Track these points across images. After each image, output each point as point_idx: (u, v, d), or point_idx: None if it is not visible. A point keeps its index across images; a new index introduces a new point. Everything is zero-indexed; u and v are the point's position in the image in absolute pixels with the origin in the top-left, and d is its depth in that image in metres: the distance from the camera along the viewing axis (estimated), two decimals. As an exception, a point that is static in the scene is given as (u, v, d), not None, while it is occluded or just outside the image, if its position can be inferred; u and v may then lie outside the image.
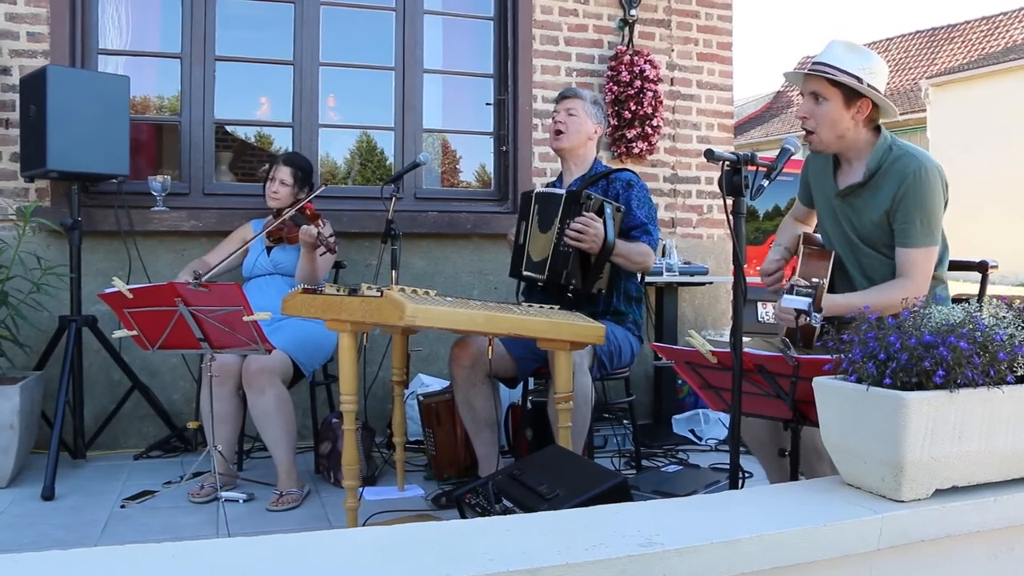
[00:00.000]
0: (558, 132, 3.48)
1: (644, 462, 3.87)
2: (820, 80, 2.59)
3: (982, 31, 19.50)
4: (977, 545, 1.95)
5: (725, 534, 1.69)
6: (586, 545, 1.59)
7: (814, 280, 2.38)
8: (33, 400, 3.61)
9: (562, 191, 3.32)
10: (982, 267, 3.00)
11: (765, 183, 2.27)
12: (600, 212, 3.18)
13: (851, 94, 2.58)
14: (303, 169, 3.86)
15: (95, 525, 3.05)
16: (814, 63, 2.63)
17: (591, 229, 3.13)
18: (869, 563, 1.82)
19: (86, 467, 3.80)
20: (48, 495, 3.31)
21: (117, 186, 3.97)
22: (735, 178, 2.21)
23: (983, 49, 18.80)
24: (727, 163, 2.22)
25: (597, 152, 3.60)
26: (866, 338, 1.96)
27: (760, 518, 1.82)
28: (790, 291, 2.40)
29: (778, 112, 22.48)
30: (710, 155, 2.21)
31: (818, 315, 2.30)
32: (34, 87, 3.62)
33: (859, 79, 2.55)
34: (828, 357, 2.09)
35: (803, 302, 2.28)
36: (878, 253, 2.65)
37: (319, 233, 3.43)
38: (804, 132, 2.67)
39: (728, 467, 3.37)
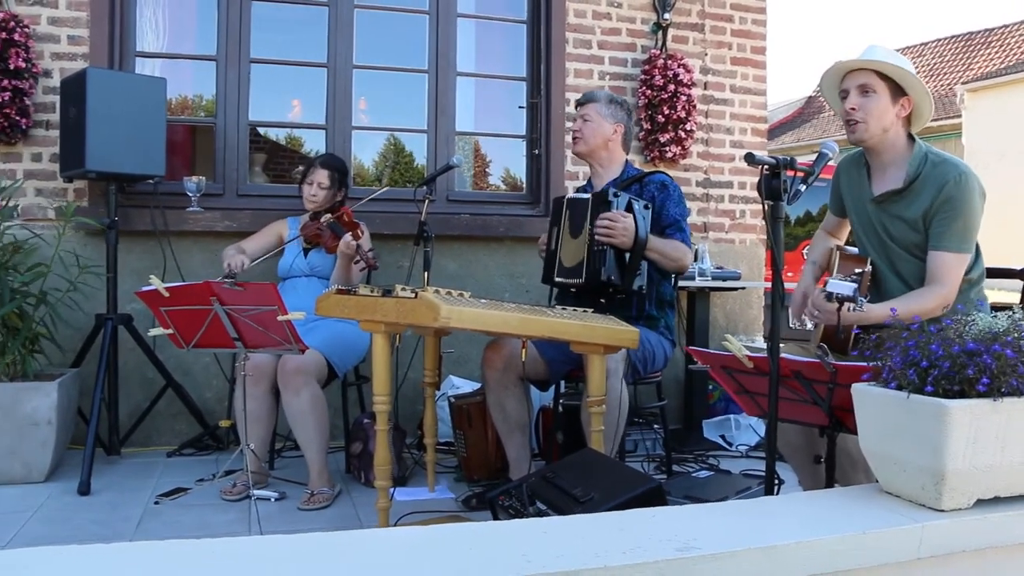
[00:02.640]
0: (575, 139, 3.53)
1: (675, 467, 3.85)
2: (869, 73, 2.61)
3: (1020, 35, 19.21)
4: (1019, 557, 1.92)
5: (762, 540, 1.68)
6: (623, 548, 1.58)
7: (857, 270, 2.36)
8: (70, 397, 3.66)
9: (589, 195, 3.32)
10: (1023, 275, 2.96)
11: (802, 188, 2.27)
12: (629, 209, 3.19)
13: (896, 91, 2.61)
14: (340, 171, 3.88)
15: (129, 521, 3.08)
16: (861, 59, 2.63)
17: (619, 224, 3.14)
18: (907, 572, 1.80)
19: (120, 463, 3.85)
20: (84, 490, 3.35)
21: (153, 187, 4.02)
22: (774, 183, 2.20)
23: (1020, 54, 18.52)
24: (766, 167, 2.21)
25: (627, 151, 3.58)
26: (907, 345, 1.93)
27: (797, 525, 1.80)
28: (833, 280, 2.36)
29: (810, 117, 22.29)
30: (751, 159, 2.20)
31: (864, 300, 2.27)
32: (74, 89, 3.67)
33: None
34: (866, 364, 2.06)
35: (849, 287, 2.24)
36: (913, 257, 2.63)
37: (359, 247, 3.44)
38: (847, 123, 2.65)
39: (759, 474, 3.35)
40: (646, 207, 3.26)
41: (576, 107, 3.59)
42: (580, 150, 3.53)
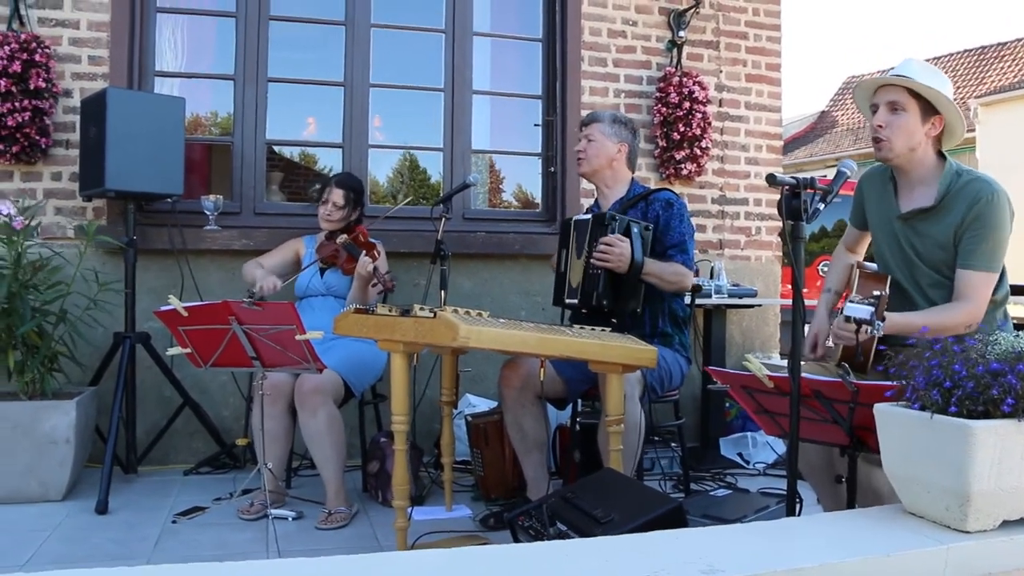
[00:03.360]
0: (579, 160, 3.53)
1: (692, 486, 3.83)
2: (901, 90, 2.58)
3: (1033, 50, 19.14)
4: (1046, 579, 1.90)
5: (787, 563, 1.67)
6: (647, 572, 1.57)
7: (875, 293, 2.35)
8: (88, 415, 3.67)
9: (590, 216, 3.33)
10: (1043, 291, 2.94)
11: (821, 206, 2.27)
12: (627, 232, 3.18)
13: (928, 109, 2.58)
14: (355, 190, 3.89)
15: (147, 540, 3.08)
16: (893, 75, 2.61)
17: (615, 249, 3.14)
18: (933, 595, 1.78)
19: (137, 482, 3.86)
20: (102, 509, 3.35)
21: (171, 205, 4.04)
22: (794, 203, 2.20)
23: (1034, 68, 18.45)
24: (787, 187, 2.20)
25: (632, 169, 3.58)
26: (930, 365, 1.92)
27: (822, 547, 1.79)
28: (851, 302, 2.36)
29: (822, 132, 22.24)
30: (772, 180, 2.20)
31: (881, 324, 2.25)
32: (94, 109, 3.71)
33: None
34: (888, 384, 2.05)
35: (866, 311, 2.23)
36: (939, 275, 2.61)
37: (376, 269, 3.44)
38: (874, 140, 2.64)
39: (778, 492, 3.33)
40: (647, 229, 3.25)
41: (580, 128, 3.59)
42: (584, 170, 3.53)
